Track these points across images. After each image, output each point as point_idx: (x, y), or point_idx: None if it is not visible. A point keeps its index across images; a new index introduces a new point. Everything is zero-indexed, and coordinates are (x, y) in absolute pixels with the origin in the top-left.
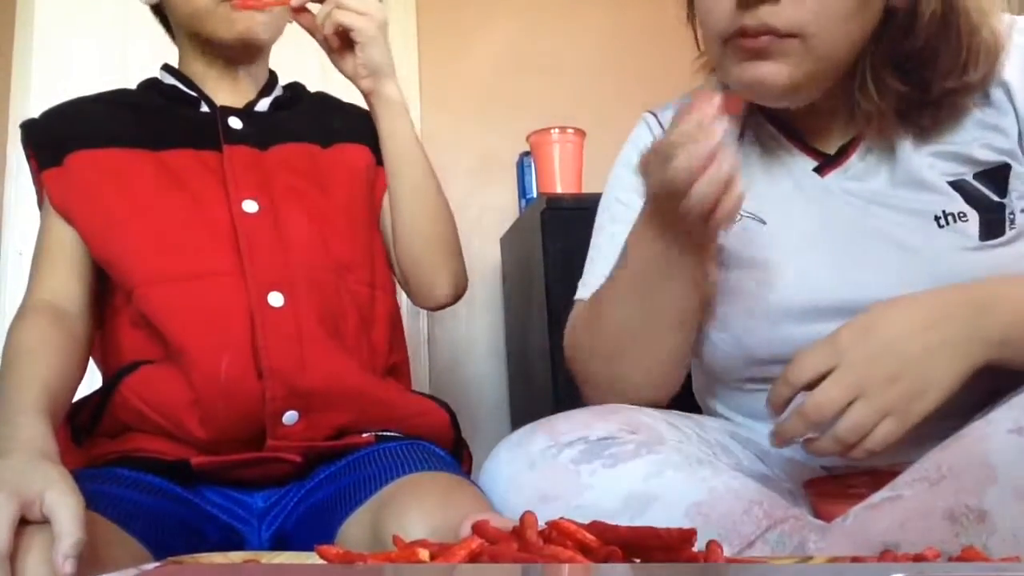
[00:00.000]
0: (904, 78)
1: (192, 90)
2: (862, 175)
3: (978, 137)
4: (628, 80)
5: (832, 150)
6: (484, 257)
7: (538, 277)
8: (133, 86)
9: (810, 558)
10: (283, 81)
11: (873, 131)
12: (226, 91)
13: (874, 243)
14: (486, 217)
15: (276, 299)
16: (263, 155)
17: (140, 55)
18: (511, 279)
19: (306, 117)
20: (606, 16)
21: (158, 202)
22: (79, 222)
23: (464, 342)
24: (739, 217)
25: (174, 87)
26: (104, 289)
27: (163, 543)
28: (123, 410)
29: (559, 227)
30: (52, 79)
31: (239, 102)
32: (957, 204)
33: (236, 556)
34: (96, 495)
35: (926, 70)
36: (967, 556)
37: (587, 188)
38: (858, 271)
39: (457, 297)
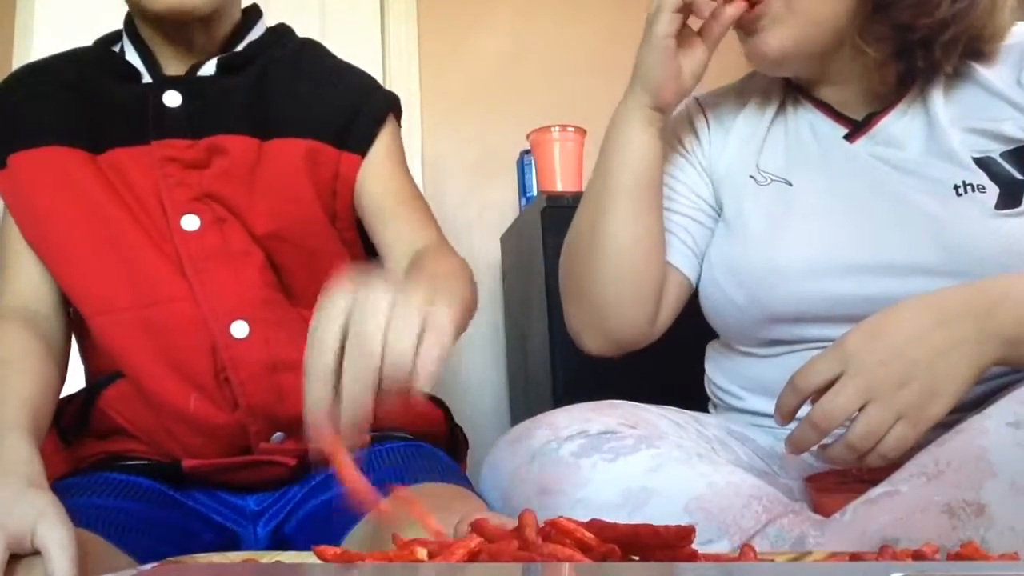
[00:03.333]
0: (886, 21)
1: (141, 53)
2: (892, 141)
3: (1011, 116)
4: (628, 79)
5: (860, 117)
6: (484, 255)
7: (538, 275)
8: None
9: (809, 553)
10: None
11: (885, 83)
12: (178, 53)
13: (894, 206)
14: (486, 215)
15: (240, 329)
16: (195, 146)
17: None
18: (511, 278)
19: (255, 90)
20: (606, 15)
21: (99, 218)
22: (26, 233)
23: (464, 341)
24: (769, 181)
25: (118, 57)
26: None
27: (156, 552)
28: (106, 419)
29: (560, 225)
30: None
31: (188, 65)
32: (978, 178)
33: (235, 556)
34: (86, 508)
35: (900, 11)
36: (966, 552)
37: None
38: (876, 232)
39: None
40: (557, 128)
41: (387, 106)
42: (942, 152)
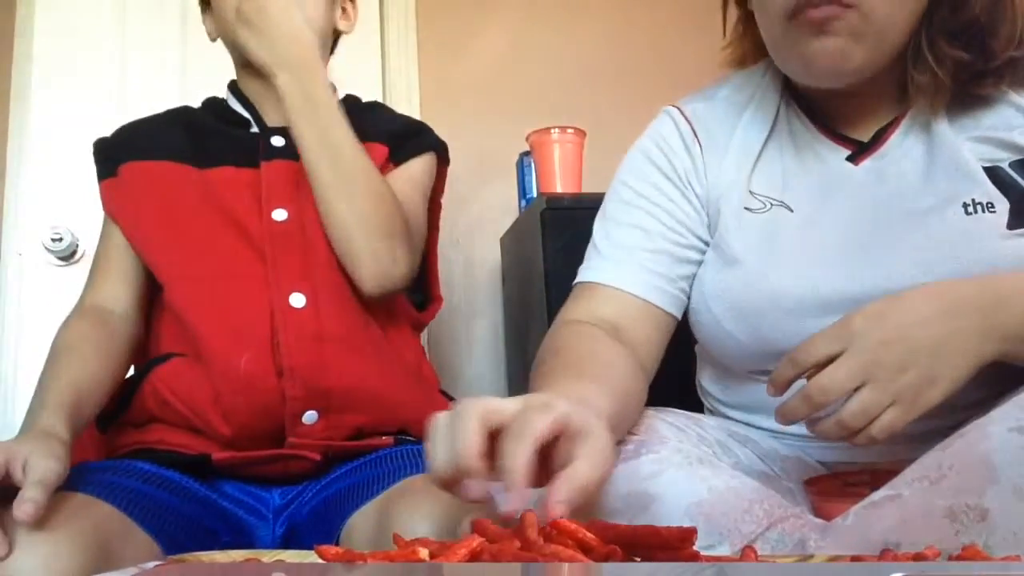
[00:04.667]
0: (964, 47)
1: (247, 108)
2: (898, 160)
3: (1021, 124)
4: (628, 80)
5: (867, 137)
6: (484, 257)
7: (538, 277)
8: (196, 103)
9: (810, 557)
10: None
11: (926, 105)
12: (275, 108)
13: (901, 231)
14: (486, 217)
15: (298, 300)
16: (296, 164)
17: (139, 56)
18: (511, 279)
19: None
20: (606, 16)
21: (195, 211)
22: (122, 222)
23: (464, 342)
24: (767, 206)
25: (227, 108)
26: (154, 289)
27: (175, 541)
28: (151, 399)
29: (559, 227)
30: (52, 80)
31: (284, 120)
32: (987, 193)
33: (237, 554)
34: (115, 487)
35: (988, 38)
36: (967, 555)
37: (587, 188)
38: (886, 260)
39: (384, 285)
40: (557, 129)
41: (433, 143)
42: (949, 167)
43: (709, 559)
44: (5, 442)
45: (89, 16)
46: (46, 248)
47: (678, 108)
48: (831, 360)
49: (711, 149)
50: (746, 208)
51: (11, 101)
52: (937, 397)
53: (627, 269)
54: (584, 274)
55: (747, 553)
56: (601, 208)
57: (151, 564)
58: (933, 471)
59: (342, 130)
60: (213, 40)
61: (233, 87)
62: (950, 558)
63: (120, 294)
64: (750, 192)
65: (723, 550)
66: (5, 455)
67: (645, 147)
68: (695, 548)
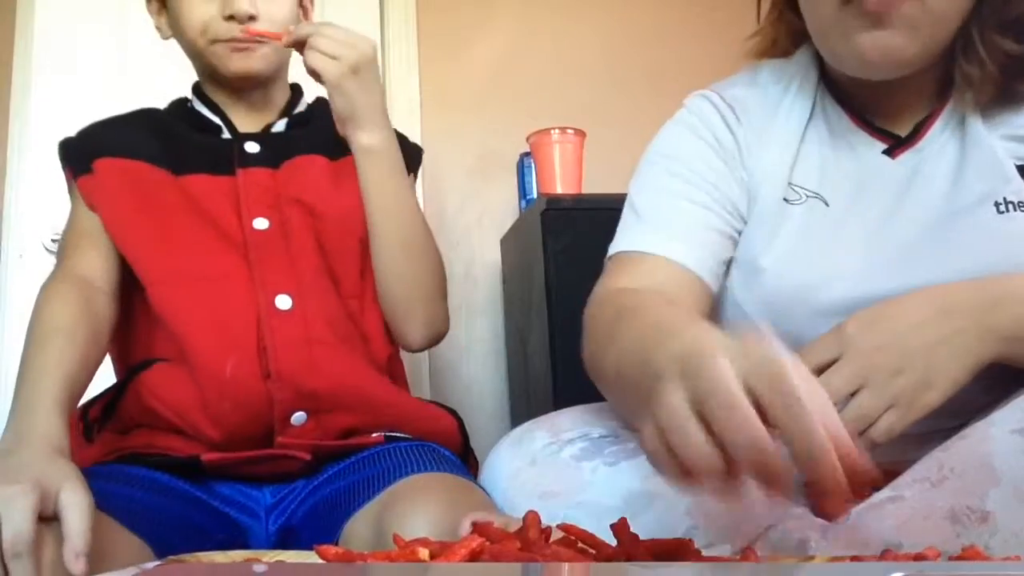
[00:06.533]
0: (1016, 39)
1: (216, 114)
2: (934, 155)
3: None
4: (628, 80)
5: (904, 131)
6: (484, 258)
7: (538, 278)
8: (162, 105)
9: (811, 557)
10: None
11: (969, 98)
12: (244, 115)
13: (935, 229)
14: (486, 218)
15: (284, 302)
16: (276, 173)
17: (141, 53)
18: (511, 280)
19: (320, 132)
20: (606, 16)
21: (174, 213)
22: (104, 218)
23: (464, 343)
24: (803, 198)
25: (197, 113)
26: (129, 286)
27: (168, 542)
28: (136, 406)
29: (559, 228)
30: (52, 80)
31: (257, 125)
32: (1019, 191)
33: (237, 555)
34: (104, 494)
35: None
36: (968, 555)
37: (587, 189)
38: (919, 259)
39: (431, 343)
40: (557, 130)
41: (413, 157)
42: (982, 164)
43: (710, 559)
44: (30, 472)
45: (89, 16)
46: (47, 250)
47: (715, 92)
48: (827, 367)
49: (753, 134)
50: (785, 199)
51: (11, 101)
52: (935, 400)
53: (681, 241)
54: (627, 243)
55: (747, 554)
56: (638, 180)
57: (151, 564)
58: (934, 473)
59: (412, 195)
60: (166, 38)
61: (198, 91)
62: (950, 559)
63: (104, 271)
64: (790, 184)
65: (723, 550)
66: (39, 491)
67: (688, 122)
68: (696, 547)
